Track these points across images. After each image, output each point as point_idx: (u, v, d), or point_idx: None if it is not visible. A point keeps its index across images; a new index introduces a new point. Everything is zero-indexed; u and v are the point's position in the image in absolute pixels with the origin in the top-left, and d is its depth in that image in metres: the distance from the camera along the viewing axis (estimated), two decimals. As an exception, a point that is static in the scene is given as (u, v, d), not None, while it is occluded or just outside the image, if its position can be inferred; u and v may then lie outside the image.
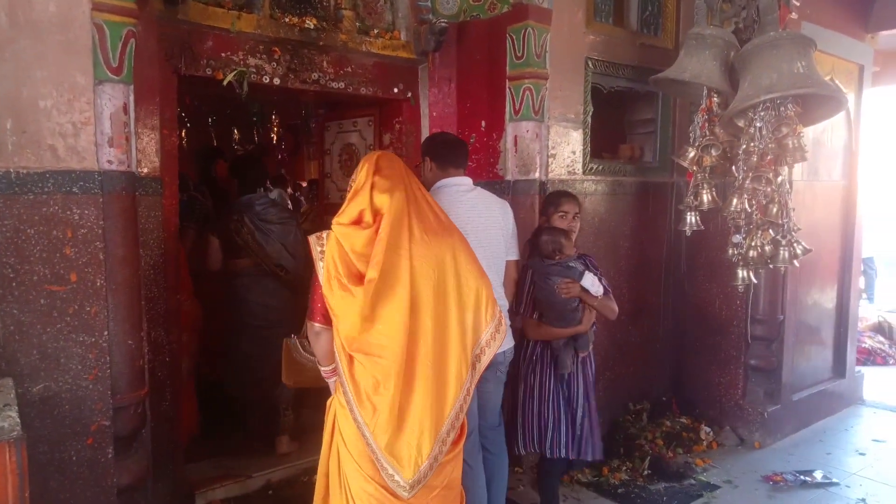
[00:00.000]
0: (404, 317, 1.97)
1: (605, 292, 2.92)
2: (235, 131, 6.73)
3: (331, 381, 2.18)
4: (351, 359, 2.01)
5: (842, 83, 4.43)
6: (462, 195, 2.68)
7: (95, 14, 2.34)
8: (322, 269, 2.02)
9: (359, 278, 1.97)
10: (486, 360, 2.16)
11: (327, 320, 2.05)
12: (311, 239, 2.07)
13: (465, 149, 2.87)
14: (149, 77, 2.67)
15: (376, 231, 2.01)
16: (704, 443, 4.12)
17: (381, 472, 1.99)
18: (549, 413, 2.95)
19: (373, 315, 1.96)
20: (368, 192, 2.04)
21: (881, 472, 3.84)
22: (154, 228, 2.72)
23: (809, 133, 3.68)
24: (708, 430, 4.20)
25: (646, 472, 3.68)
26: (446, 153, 2.74)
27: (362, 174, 2.10)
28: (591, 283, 2.81)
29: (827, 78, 4.05)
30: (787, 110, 2.97)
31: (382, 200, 2.03)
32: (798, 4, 3.33)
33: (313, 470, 3.37)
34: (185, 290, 3.21)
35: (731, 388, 4.27)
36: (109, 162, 2.42)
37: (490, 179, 3.64)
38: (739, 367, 4.24)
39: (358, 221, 2.03)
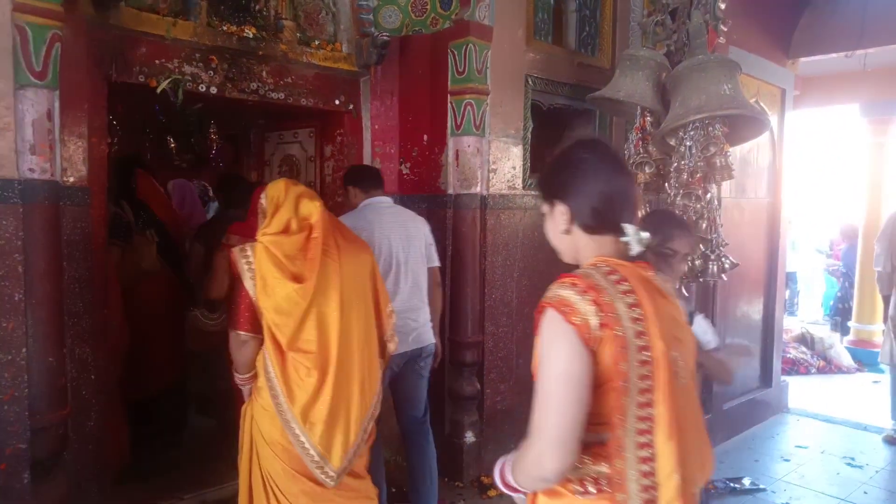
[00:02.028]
0: (337, 314, 2.18)
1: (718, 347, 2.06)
2: (171, 141, 6.53)
3: (245, 388, 2.31)
4: (284, 358, 2.15)
5: (766, 105, 4.67)
6: (386, 209, 3.08)
7: (17, 15, 2.23)
8: (250, 280, 2.15)
9: (294, 278, 2.13)
10: (387, 354, 2.48)
11: (255, 328, 2.18)
12: (235, 252, 2.21)
13: (381, 175, 3.24)
14: (77, 83, 2.56)
15: (307, 237, 2.19)
16: (640, 452, 4.21)
17: (307, 466, 2.15)
18: None
19: (309, 312, 2.14)
20: (293, 204, 2.22)
21: (804, 477, 4.02)
22: (80, 240, 2.60)
23: (737, 152, 3.85)
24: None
25: (584, 483, 3.73)
26: (368, 178, 3.15)
27: (279, 192, 2.26)
28: (704, 330, 1.94)
29: (752, 100, 4.26)
30: (714, 130, 3.10)
31: (310, 209, 2.22)
32: (726, 30, 3.48)
33: (248, 490, 3.31)
34: (113, 310, 3.12)
35: (666, 399, 4.39)
36: (31, 170, 2.31)
37: (432, 193, 3.66)
38: (673, 378, 4.36)
39: (286, 231, 2.18)
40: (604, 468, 1.24)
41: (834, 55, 5.00)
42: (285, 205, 2.21)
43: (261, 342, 2.20)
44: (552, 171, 1.40)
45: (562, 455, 1.18)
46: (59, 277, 2.45)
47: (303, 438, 2.12)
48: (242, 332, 2.18)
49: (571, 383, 1.18)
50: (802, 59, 5.18)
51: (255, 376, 2.25)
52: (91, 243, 2.64)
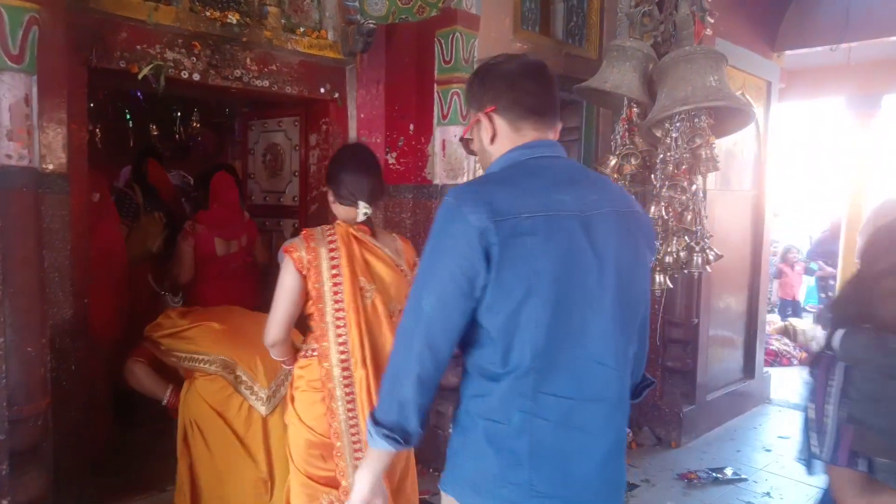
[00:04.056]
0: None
1: None
2: (154, 128, 6.44)
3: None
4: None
5: (752, 98, 4.68)
6: None
7: (-8, -2, 2.18)
8: None
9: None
10: None
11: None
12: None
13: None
14: (55, 68, 2.50)
15: None
16: (624, 443, 4.24)
17: (244, 395, 2.71)
18: None
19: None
20: None
21: (785, 467, 4.06)
22: (60, 228, 2.56)
23: (722, 145, 3.86)
24: (627, 430, 4.32)
25: (568, 473, 3.75)
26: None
27: None
28: None
29: (738, 92, 4.27)
30: (700, 122, 3.11)
31: None
32: (713, 21, 3.48)
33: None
34: (118, 294, 3.28)
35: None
36: (8, 157, 2.26)
37: (418, 183, 3.64)
38: (657, 369, 4.39)
39: None
40: (316, 345, 2.10)
41: (819, 48, 5.01)
42: None
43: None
44: (329, 163, 2.29)
45: (276, 330, 2.09)
46: (39, 266, 2.40)
47: (220, 358, 2.69)
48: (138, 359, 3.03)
49: (289, 293, 2.08)
50: (788, 52, 5.20)
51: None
52: (71, 231, 2.60)
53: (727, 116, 3.25)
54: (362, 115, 3.71)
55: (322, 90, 3.54)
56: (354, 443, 2.10)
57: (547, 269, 1.26)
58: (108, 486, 3.10)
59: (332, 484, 2.13)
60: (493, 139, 1.43)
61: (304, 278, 2.06)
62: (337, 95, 3.61)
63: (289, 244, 2.10)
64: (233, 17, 3.09)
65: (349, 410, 2.08)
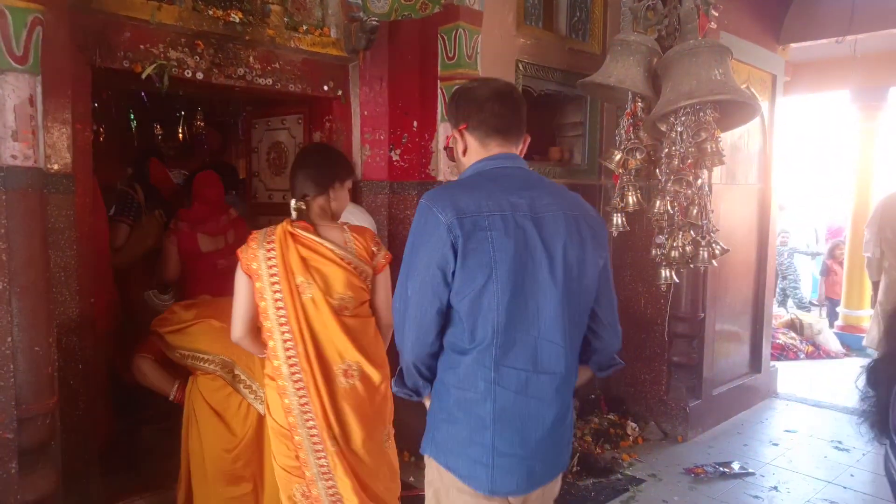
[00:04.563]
0: None
1: None
2: (158, 127, 6.45)
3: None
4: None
5: (757, 91, 4.66)
6: None
7: (-4, -1, 2.18)
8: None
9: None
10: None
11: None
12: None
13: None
14: (60, 68, 2.51)
15: None
16: (631, 438, 4.24)
17: (244, 396, 2.69)
18: None
19: None
20: None
21: (792, 461, 4.05)
22: (65, 228, 2.56)
23: (727, 138, 3.84)
24: (634, 425, 4.32)
25: (575, 469, 3.74)
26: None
27: None
28: None
29: (743, 86, 4.25)
30: (705, 116, 3.09)
31: None
32: (717, 15, 3.46)
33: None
34: (106, 289, 3.23)
35: (656, 385, 4.41)
36: (13, 157, 2.26)
37: (422, 180, 3.63)
38: (663, 364, 4.38)
39: None
40: (268, 343, 2.18)
41: (824, 41, 4.99)
42: None
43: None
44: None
45: (238, 329, 2.24)
46: (45, 266, 2.41)
47: (219, 357, 2.70)
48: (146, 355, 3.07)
49: (241, 293, 2.20)
50: (793, 45, 5.17)
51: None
52: (76, 231, 2.61)
53: (732, 110, 3.24)
54: (366, 113, 3.71)
55: (325, 88, 3.54)
56: (313, 436, 2.13)
57: (504, 260, 1.49)
58: (115, 484, 3.11)
59: (303, 475, 2.17)
60: (464, 152, 1.71)
61: (252, 281, 2.16)
62: (340, 93, 3.61)
63: (240, 248, 2.21)
64: (235, 16, 3.09)
65: (302, 405, 2.12)
